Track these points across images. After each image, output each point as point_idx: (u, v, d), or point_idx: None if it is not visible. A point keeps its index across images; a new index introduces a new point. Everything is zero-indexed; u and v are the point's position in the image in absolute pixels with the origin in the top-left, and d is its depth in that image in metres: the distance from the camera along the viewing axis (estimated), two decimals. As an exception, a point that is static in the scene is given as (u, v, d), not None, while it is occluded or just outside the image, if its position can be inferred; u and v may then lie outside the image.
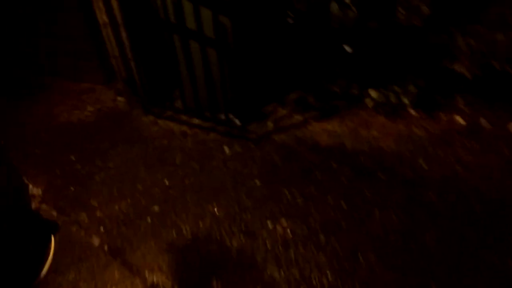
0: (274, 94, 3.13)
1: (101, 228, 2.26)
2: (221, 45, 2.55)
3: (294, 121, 2.91)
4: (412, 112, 2.72)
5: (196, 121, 2.99)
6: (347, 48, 2.44)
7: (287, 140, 2.74)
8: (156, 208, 2.35)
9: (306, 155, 2.59)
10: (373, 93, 2.69)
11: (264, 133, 2.83)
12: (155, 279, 1.98)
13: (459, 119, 2.68)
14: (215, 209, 2.31)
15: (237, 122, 2.91)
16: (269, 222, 2.19)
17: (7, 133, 2.93)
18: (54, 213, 2.34)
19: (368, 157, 2.50)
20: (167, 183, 2.51)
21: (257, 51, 2.82)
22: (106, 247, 2.16)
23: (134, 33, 2.74)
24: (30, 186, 2.36)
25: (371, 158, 2.49)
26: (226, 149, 2.73)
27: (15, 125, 3.06)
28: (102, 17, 2.69)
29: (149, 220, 2.29)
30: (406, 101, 2.62)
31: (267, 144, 2.73)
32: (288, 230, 2.14)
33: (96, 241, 2.20)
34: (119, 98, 3.28)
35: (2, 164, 1.72)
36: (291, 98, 3.10)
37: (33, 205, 2.27)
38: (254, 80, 2.95)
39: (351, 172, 2.41)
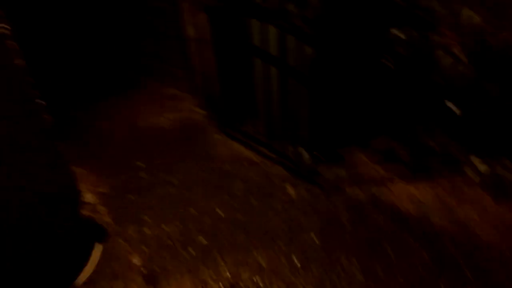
0: (356, 136, 2.79)
1: (145, 248, 2.19)
2: (303, 75, 2.32)
3: (374, 173, 2.54)
4: (529, 197, 2.16)
5: (265, 149, 2.80)
6: (454, 108, 2.01)
7: (361, 197, 2.39)
8: (202, 240, 2.22)
9: (380, 221, 2.21)
10: (479, 164, 2.20)
11: (336, 181, 2.51)
12: (179, 324, 1.84)
13: None
14: (262, 259, 2.08)
15: (308, 159, 2.64)
16: (316, 293, 1.90)
17: (88, 129, 3.09)
18: (108, 219, 2.35)
19: (457, 244, 2.03)
20: (220, 213, 2.36)
21: (342, 87, 2.52)
22: (144, 270, 2.08)
23: (218, 51, 2.65)
24: (89, 195, 2.40)
25: (461, 246, 2.02)
26: (290, 189, 2.49)
27: (100, 119, 3.20)
28: (190, 31, 2.65)
29: (192, 251, 2.16)
30: (522, 182, 2.09)
31: (336, 195, 2.41)
32: (336, 310, 1.82)
33: (136, 261, 2.13)
34: (198, 110, 3.25)
35: (53, 171, 1.74)
36: (376, 144, 2.73)
37: (87, 210, 2.31)
38: (335, 117, 2.65)
39: (430, 257, 1.98)
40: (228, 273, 2.03)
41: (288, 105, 2.56)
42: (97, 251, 2.15)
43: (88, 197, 2.36)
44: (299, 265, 2.03)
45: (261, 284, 1.96)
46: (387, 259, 2.00)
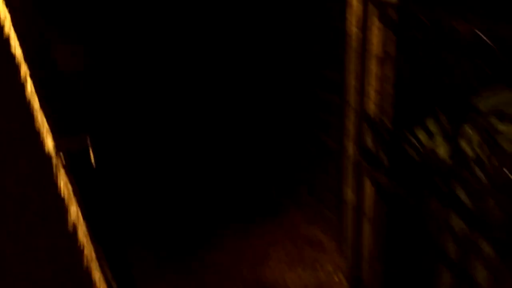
0: None
1: None
2: None
3: None
4: None
5: None
6: None
7: None
8: None
9: None
10: None
11: None
12: None
13: None
14: None
15: None
16: None
17: (201, 265, 2.61)
18: None
19: None
20: None
21: None
22: None
23: (385, 232, 1.84)
24: None
25: None
26: None
27: (217, 255, 2.71)
28: (349, 194, 1.94)
29: None
30: None
31: None
32: None
33: None
34: (338, 277, 2.43)
35: None
36: None
37: None
38: None
39: None
40: None
41: None
42: None
43: None
44: None
45: None
46: None
